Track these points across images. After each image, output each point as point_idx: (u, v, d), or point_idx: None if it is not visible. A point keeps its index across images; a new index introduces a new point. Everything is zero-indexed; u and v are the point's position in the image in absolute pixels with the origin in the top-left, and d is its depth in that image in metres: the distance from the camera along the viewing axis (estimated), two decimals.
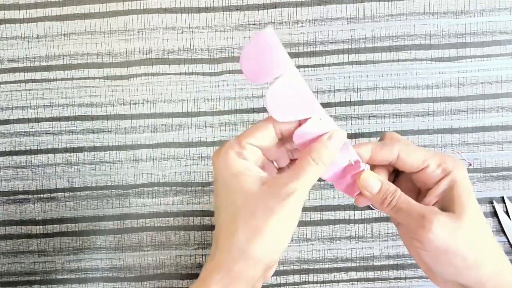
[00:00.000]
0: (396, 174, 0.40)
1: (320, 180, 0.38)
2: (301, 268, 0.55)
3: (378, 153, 0.37)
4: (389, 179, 0.39)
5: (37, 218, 0.56)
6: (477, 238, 0.34)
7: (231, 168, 0.34)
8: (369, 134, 0.55)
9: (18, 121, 0.56)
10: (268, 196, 0.33)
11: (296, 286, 0.55)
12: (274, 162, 0.38)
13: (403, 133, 0.55)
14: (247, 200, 0.33)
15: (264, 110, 0.55)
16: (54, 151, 0.56)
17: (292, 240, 0.55)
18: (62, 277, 0.56)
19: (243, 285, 0.34)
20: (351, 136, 0.55)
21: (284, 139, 0.36)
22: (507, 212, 0.54)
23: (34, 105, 0.56)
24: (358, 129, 0.55)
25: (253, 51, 0.34)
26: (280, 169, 0.39)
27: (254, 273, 0.34)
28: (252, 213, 0.33)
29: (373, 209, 0.55)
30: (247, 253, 0.33)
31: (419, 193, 0.39)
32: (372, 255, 0.55)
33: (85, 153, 0.56)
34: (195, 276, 0.56)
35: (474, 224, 0.34)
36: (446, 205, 0.35)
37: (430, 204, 0.36)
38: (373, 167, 0.38)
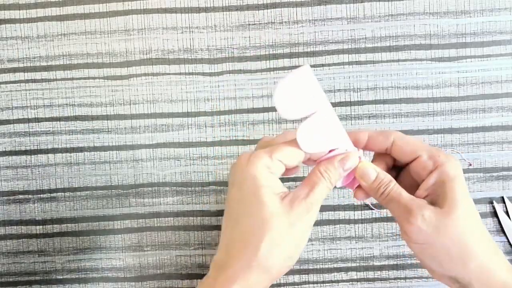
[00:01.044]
0: (398, 171, 0.40)
1: None
2: (301, 268, 0.55)
3: (374, 139, 0.38)
4: (391, 174, 0.39)
5: (37, 218, 0.56)
6: (464, 234, 0.34)
7: (258, 180, 0.35)
8: None
9: (18, 121, 0.56)
10: (290, 211, 0.34)
11: (296, 286, 0.55)
12: None
13: (403, 133, 0.54)
14: (269, 215, 0.34)
15: (264, 110, 0.55)
16: (54, 151, 0.56)
17: None
18: (62, 277, 0.56)
19: None
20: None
21: (310, 161, 0.38)
22: (507, 212, 0.54)
23: (34, 105, 0.56)
24: (358, 129, 0.55)
25: (289, 88, 0.35)
26: None
27: (266, 284, 0.35)
28: (273, 228, 0.34)
29: (373, 209, 0.55)
30: (266, 265, 0.34)
31: (418, 188, 0.39)
32: (372, 255, 0.55)
33: (85, 153, 0.56)
34: (195, 276, 0.56)
35: (463, 220, 0.34)
36: (435, 199, 0.36)
37: (422, 197, 0.36)
38: (373, 160, 0.39)
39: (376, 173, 0.37)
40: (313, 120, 0.36)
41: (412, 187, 0.38)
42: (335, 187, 0.38)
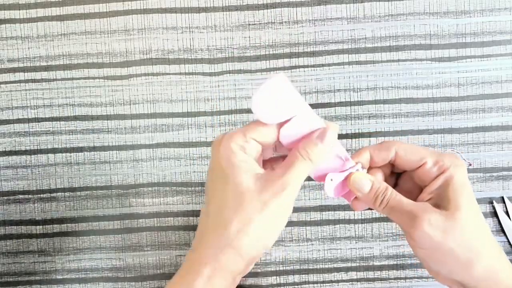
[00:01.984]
0: (397, 176, 0.40)
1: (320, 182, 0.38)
2: (301, 268, 0.55)
3: (377, 156, 0.37)
4: (389, 180, 0.39)
5: (37, 218, 0.56)
6: (470, 237, 0.34)
7: (231, 160, 0.33)
8: (369, 134, 0.55)
9: (18, 121, 0.56)
10: (262, 191, 0.33)
11: (296, 286, 0.55)
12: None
13: (403, 133, 0.55)
14: (241, 193, 0.33)
15: None
16: (54, 151, 0.56)
17: (292, 240, 0.55)
18: (62, 277, 0.56)
19: (226, 277, 0.33)
20: (351, 136, 0.55)
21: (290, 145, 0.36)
22: (507, 212, 0.54)
23: (34, 105, 0.56)
24: (358, 129, 0.55)
25: (266, 96, 0.34)
26: (265, 161, 0.38)
27: (239, 266, 0.34)
28: (245, 207, 0.33)
29: (373, 209, 0.55)
30: (236, 245, 0.33)
31: (420, 192, 0.38)
32: (372, 255, 0.55)
33: (85, 153, 0.56)
34: None
35: (468, 222, 0.34)
36: (440, 202, 0.35)
37: (425, 200, 0.36)
38: (369, 168, 0.38)
39: (370, 183, 0.36)
40: (293, 122, 0.35)
41: (413, 192, 0.38)
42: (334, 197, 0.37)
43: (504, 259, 0.36)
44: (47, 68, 0.55)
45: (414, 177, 0.38)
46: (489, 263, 0.34)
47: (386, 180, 0.38)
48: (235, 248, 0.33)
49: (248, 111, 0.55)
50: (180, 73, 0.55)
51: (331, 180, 0.37)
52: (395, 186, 0.39)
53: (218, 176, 0.34)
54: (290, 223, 0.55)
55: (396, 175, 0.40)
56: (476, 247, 0.34)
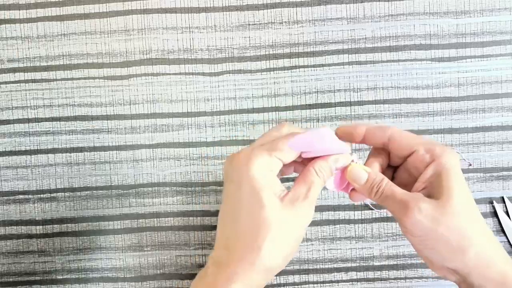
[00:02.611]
0: (394, 170, 0.41)
1: None
2: (301, 268, 0.55)
3: (372, 133, 0.38)
4: (387, 173, 0.40)
5: (37, 218, 0.56)
6: (461, 223, 0.34)
7: (258, 180, 0.35)
8: None
9: (18, 121, 0.56)
10: (290, 212, 0.35)
11: (296, 286, 0.55)
12: None
13: None
14: (272, 215, 0.35)
15: (264, 110, 0.55)
16: (54, 151, 0.56)
17: None
18: (62, 277, 0.56)
19: None
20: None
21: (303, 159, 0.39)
22: (507, 212, 0.54)
23: (34, 105, 0.56)
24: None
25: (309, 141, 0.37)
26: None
27: (265, 282, 0.36)
28: (277, 229, 0.34)
29: (373, 209, 0.55)
30: (268, 266, 0.35)
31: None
32: (372, 255, 0.55)
33: (85, 153, 0.56)
34: (195, 276, 0.56)
35: (459, 209, 0.35)
36: (432, 191, 0.36)
37: (419, 189, 0.37)
38: (367, 161, 0.39)
39: (367, 174, 0.38)
40: (311, 134, 0.37)
41: (410, 183, 0.38)
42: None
43: (496, 244, 0.36)
44: (47, 68, 0.55)
45: (408, 167, 0.38)
46: (481, 249, 0.35)
47: (383, 173, 0.39)
48: (266, 267, 0.35)
49: (248, 111, 0.55)
50: (180, 73, 0.55)
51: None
52: (392, 179, 0.40)
53: (244, 194, 0.35)
54: None
55: (393, 169, 0.41)
56: (468, 234, 0.35)
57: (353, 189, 0.39)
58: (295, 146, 0.36)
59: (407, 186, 0.38)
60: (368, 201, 0.55)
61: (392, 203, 0.36)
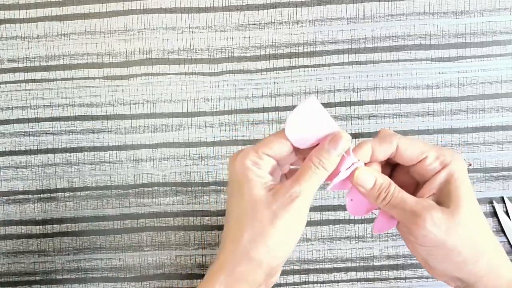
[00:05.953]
0: (392, 168, 0.40)
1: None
2: (301, 268, 0.55)
3: (378, 150, 0.37)
4: (384, 172, 0.38)
5: (37, 218, 0.56)
6: (473, 233, 0.34)
7: (244, 174, 0.35)
8: (369, 134, 0.55)
9: (18, 121, 0.56)
10: (272, 201, 0.34)
11: (296, 286, 0.55)
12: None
13: (403, 133, 0.54)
14: (254, 205, 0.34)
15: (264, 110, 0.55)
16: (54, 151, 0.56)
17: None
18: (62, 277, 0.56)
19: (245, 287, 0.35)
20: (351, 136, 0.55)
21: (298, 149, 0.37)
22: (507, 212, 0.54)
23: (34, 105, 0.56)
24: (358, 129, 0.55)
25: (299, 119, 0.35)
26: (285, 174, 0.40)
27: (256, 276, 0.35)
28: (257, 217, 0.34)
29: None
30: (250, 255, 0.34)
31: (416, 186, 0.38)
32: (372, 255, 0.55)
33: (85, 153, 0.56)
34: (195, 276, 0.56)
35: (470, 219, 0.34)
36: (442, 199, 0.35)
37: (425, 196, 0.36)
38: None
39: (374, 178, 0.36)
40: (301, 111, 0.36)
41: (409, 185, 0.38)
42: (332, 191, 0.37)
43: (502, 253, 0.36)
44: (47, 68, 0.55)
45: (412, 171, 0.37)
46: (490, 258, 0.35)
47: (381, 172, 0.38)
48: (250, 259, 0.34)
49: (248, 111, 0.55)
50: (180, 73, 0.55)
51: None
52: (389, 177, 0.39)
53: (235, 190, 0.36)
54: None
55: (390, 167, 0.39)
56: (480, 244, 0.34)
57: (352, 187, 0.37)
58: (290, 133, 0.35)
59: (407, 187, 0.37)
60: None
61: (401, 212, 0.35)
